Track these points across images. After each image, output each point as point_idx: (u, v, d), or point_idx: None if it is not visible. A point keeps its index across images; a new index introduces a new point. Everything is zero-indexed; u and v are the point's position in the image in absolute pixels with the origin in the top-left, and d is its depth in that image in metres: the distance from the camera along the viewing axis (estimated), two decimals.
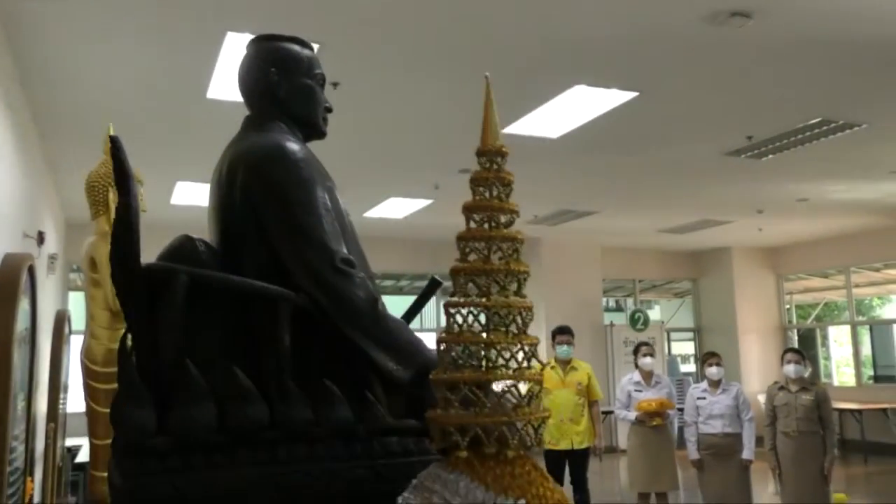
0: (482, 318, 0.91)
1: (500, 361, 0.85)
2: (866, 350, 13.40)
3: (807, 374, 5.72)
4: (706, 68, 5.11)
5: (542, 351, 10.33)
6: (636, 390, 5.86)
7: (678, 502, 7.96)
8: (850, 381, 12.42)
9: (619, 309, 14.93)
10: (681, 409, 6.36)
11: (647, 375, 5.91)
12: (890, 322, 13.08)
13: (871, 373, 12.91)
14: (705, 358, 6.00)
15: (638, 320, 12.12)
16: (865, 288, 13.57)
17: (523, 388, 0.82)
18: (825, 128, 6.33)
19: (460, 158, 7.25)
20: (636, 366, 6.01)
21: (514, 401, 0.80)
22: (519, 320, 0.85)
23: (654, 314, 15.22)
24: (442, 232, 11.00)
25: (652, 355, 5.97)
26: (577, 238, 11.77)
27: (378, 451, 1.05)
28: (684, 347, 14.42)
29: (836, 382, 13.09)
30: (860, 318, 12.63)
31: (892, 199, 9.18)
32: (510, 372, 0.82)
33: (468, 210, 1.03)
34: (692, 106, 5.88)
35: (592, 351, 11.44)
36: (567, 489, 6.11)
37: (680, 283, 14.18)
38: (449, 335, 0.96)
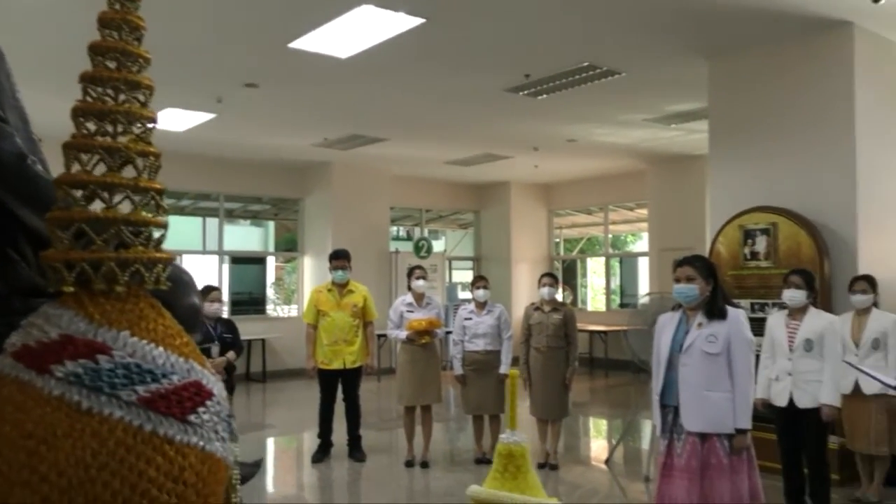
0: (103, 162, 0.87)
1: (118, 202, 0.83)
2: (618, 281, 15.15)
3: (562, 297, 6.33)
4: (491, 1, 5.29)
5: (322, 274, 10.33)
6: (408, 311, 6.12)
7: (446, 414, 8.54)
8: (603, 307, 14.00)
9: (409, 238, 15.38)
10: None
11: (419, 297, 6.19)
12: (638, 255, 14.85)
13: (619, 300, 14.64)
14: (474, 281, 6.39)
15: (422, 248, 12.58)
16: (621, 225, 15.23)
17: (156, 233, 0.82)
18: (591, 73, 6.87)
19: (245, 71, 6.91)
20: (409, 288, 6.26)
21: (130, 240, 0.79)
22: (140, 164, 0.83)
23: (440, 244, 15.90)
24: (228, 149, 10.53)
25: (424, 278, 6.25)
26: (367, 164, 11.82)
27: (19, 308, 0.99)
28: (465, 276, 15.28)
29: (590, 308, 14.68)
30: (613, 252, 14.18)
31: (645, 144, 10.29)
32: (127, 213, 0.80)
33: (91, 50, 0.96)
34: (476, 38, 6.07)
35: (377, 276, 11.74)
36: (340, 406, 6.33)
37: (464, 214, 14.87)
38: (66, 175, 0.91)
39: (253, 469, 1.59)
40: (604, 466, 6.20)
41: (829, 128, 5.79)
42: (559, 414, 6.00)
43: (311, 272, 12.07)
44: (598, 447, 7.30)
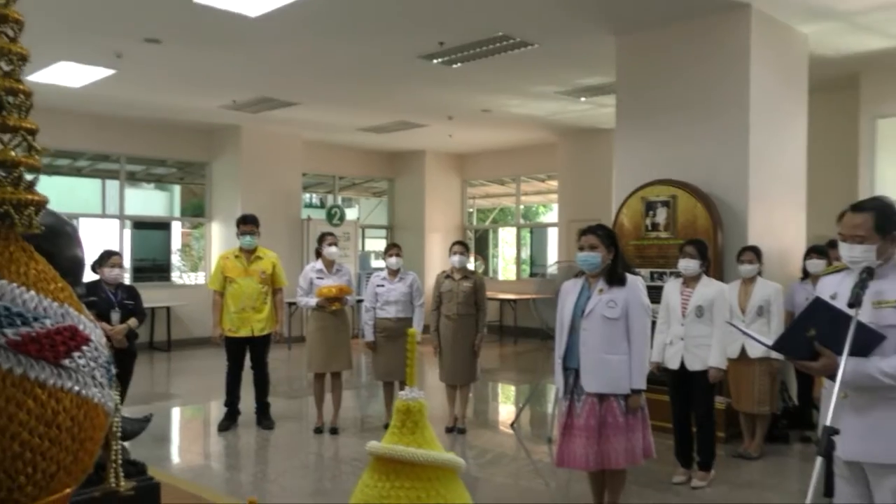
0: None
1: None
2: (528, 251, 15.48)
3: (473, 267, 6.42)
4: None
5: (231, 240, 10.06)
6: (318, 278, 6.07)
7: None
8: (513, 276, 14.30)
9: (321, 206, 15.16)
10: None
11: (330, 264, 6.14)
12: (547, 226, 15.21)
13: (529, 270, 14.97)
14: (387, 249, 6.40)
15: (334, 215, 12.44)
16: (533, 196, 15.54)
17: (29, 175, 0.79)
18: (505, 43, 6.92)
19: (147, 25, 6.56)
20: (319, 255, 6.20)
21: None
22: (10, 101, 0.80)
23: (354, 212, 15.76)
24: (129, 108, 10.02)
25: (336, 245, 6.20)
26: (278, 129, 11.54)
27: None
28: (379, 244, 15.24)
29: (501, 277, 14.97)
30: (524, 223, 14.47)
31: (557, 117, 10.49)
32: None
33: None
34: (390, 2, 5.99)
35: (289, 244, 11.56)
36: (248, 374, 6.24)
37: (378, 182, 14.78)
38: None
39: (142, 424, 1.57)
40: (510, 430, 6.40)
41: (726, 106, 6.08)
42: (467, 379, 6.14)
43: (220, 239, 11.73)
44: (505, 412, 7.52)
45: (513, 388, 8.84)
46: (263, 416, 6.26)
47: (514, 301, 12.35)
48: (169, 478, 1.84)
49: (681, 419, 4.83)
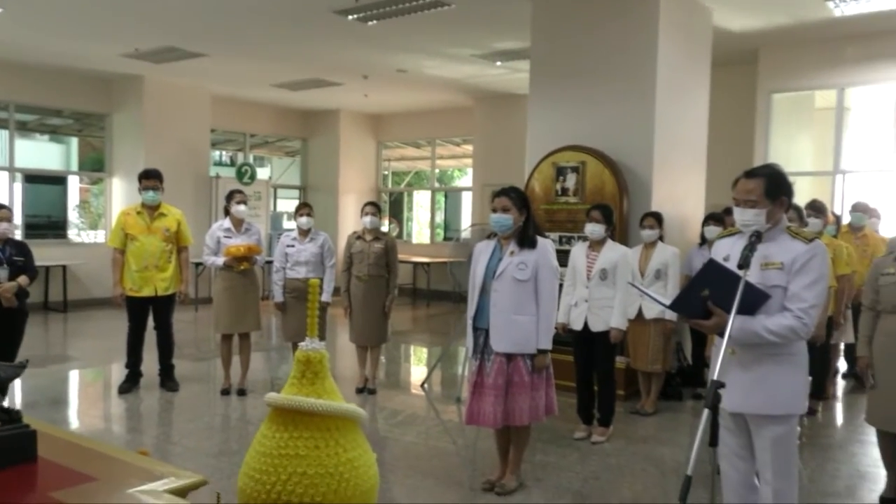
0: None
1: None
2: (443, 215, 15.55)
3: (388, 229, 6.38)
4: None
5: (133, 197, 9.64)
6: (225, 237, 5.89)
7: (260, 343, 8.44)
8: (427, 240, 14.35)
9: (232, 164, 14.66)
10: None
11: (238, 223, 5.97)
12: (462, 190, 15.29)
13: (443, 234, 15.06)
14: (298, 208, 6.27)
15: (245, 174, 12.07)
16: (448, 160, 15.56)
17: None
18: (421, 2, 6.82)
19: None
20: (227, 213, 6.01)
21: None
22: None
23: (266, 172, 15.34)
24: (19, 52, 9.30)
25: (245, 203, 6.02)
26: (184, 81, 11.02)
27: None
28: (291, 205, 14.92)
29: (415, 240, 14.99)
30: (439, 186, 14.49)
31: (472, 80, 10.49)
32: None
33: None
34: None
35: (196, 202, 11.16)
36: (151, 336, 6.03)
37: (292, 141, 14.41)
38: None
39: (17, 370, 1.49)
40: (420, 391, 6.48)
41: (634, 75, 6.23)
42: (378, 340, 6.15)
43: (121, 195, 11.18)
44: (417, 373, 7.59)
45: (425, 350, 8.93)
46: (167, 378, 6.09)
47: (428, 264, 12.41)
48: (50, 428, 1.76)
49: (583, 378, 5.02)
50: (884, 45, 7.73)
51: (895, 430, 3.85)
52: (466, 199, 14.08)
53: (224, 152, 15.30)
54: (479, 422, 3.89)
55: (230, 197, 6.02)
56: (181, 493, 1.22)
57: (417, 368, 7.93)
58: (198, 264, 10.00)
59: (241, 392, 5.96)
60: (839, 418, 6.00)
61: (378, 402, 5.98)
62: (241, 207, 5.97)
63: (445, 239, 14.02)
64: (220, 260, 5.83)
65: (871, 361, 3.87)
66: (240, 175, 11.98)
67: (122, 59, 9.53)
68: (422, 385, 6.60)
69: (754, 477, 2.89)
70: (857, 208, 6.66)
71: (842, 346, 6.51)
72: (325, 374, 1.23)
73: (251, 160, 13.44)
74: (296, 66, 9.94)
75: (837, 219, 6.70)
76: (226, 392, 5.96)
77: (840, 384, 6.74)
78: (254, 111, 13.01)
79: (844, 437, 5.43)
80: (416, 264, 12.52)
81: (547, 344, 3.87)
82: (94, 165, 13.32)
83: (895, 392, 3.76)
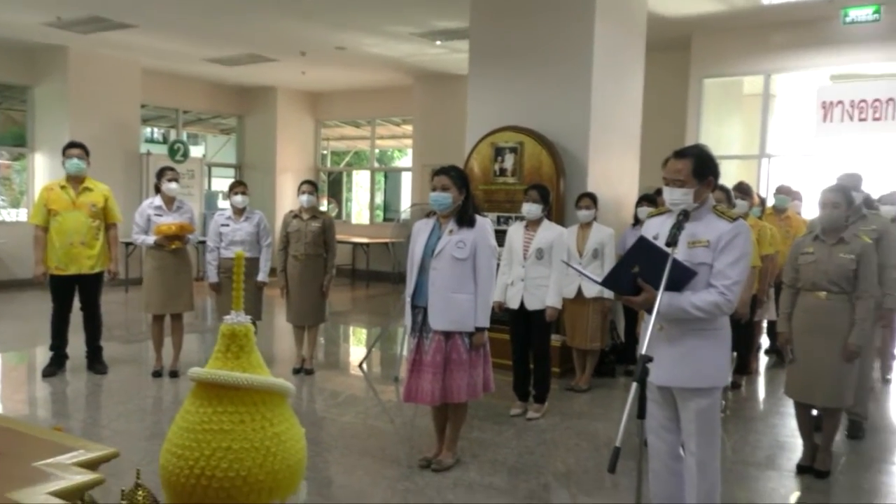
0: None
1: None
2: (383, 195, 15.45)
3: (326, 209, 6.30)
4: None
5: (58, 173, 9.24)
6: (156, 215, 5.71)
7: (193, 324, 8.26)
8: (366, 220, 14.25)
9: (165, 141, 14.19)
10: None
11: (170, 201, 5.79)
12: (402, 170, 15.22)
13: (383, 214, 14.98)
14: (232, 186, 6.12)
15: (177, 151, 11.71)
16: (388, 140, 15.44)
17: None
18: None
19: None
20: (158, 190, 5.83)
21: None
22: None
23: (200, 150, 14.91)
24: None
25: (177, 181, 5.84)
26: (113, 54, 10.59)
27: None
28: (227, 184, 14.57)
29: (354, 221, 14.86)
30: (379, 166, 14.39)
31: (412, 59, 10.41)
32: None
33: None
34: None
35: (125, 179, 10.79)
36: (77, 315, 5.82)
37: (227, 118, 14.04)
38: None
39: None
40: (359, 371, 6.46)
41: (572, 57, 6.29)
42: (315, 320, 6.09)
43: (44, 171, 10.70)
44: (355, 353, 7.56)
45: (364, 330, 8.90)
46: (95, 361, 5.90)
47: (368, 245, 12.34)
48: None
49: (519, 356, 5.10)
50: (808, 34, 8.03)
51: (811, 401, 4.06)
52: (406, 180, 14.02)
53: (156, 129, 14.80)
54: (416, 399, 3.91)
55: (161, 174, 5.83)
56: (91, 465, 1.18)
57: (356, 349, 7.90)
58: (127, 244, 9.69)
59: (174, 374, 5.82)
60: (761, 392, 6.27)
61: (316, 382, 5.94)
62: (173, 185, 5.79)
63: (385, 220, 13.96)
64: (151, 239, 5.65)
65: (790, 337, 4.05)
66: (172, 152, 11.61)
67: (45, 28, 9.08)
68: (360, 365, 6.58)
69: (680, 448, 3.00)
70: (781, 191, 6.93)
71: (765, 323, 6.78)
72: (251, 349, 1.21)
73: (184, 137, 13.04)
74: (229, 41, 9.66)
75: (763, 201, 6.96)
76: (157, 374, 5.82)
77: (763, 360, 7.04)
78: (187, 86, 12.61)
79: (766, 409, 5.69)
80: (355, 245, 12.43)
81: (485, 322, 3.91)
82: (16, 140, 12.67)
83: (811, 365, 3.96)
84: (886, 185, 6.58)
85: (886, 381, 6.29)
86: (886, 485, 4.11)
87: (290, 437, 1.15)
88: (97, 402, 5.29)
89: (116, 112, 10.97)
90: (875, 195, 5.75)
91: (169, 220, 5.67)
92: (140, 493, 1.47)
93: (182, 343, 5.98)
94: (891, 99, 7.56)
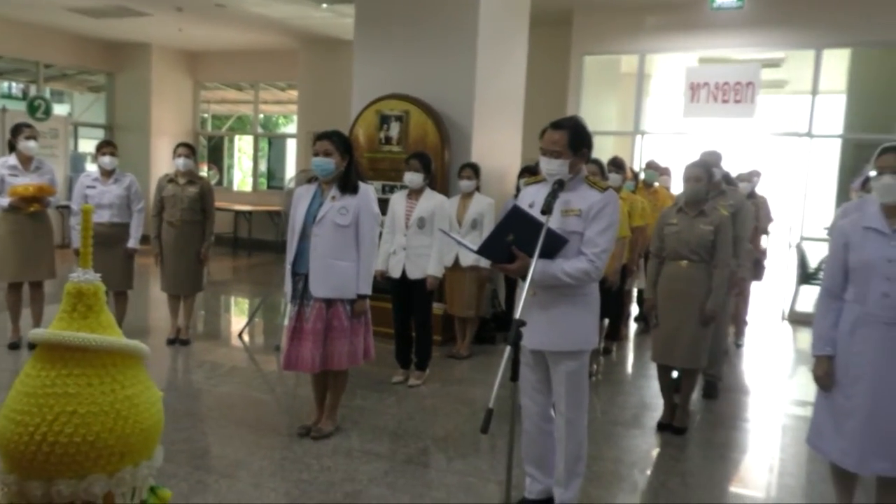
0: None
1: None
2: (266, 163, 14.99)
3: (207, 175, 6.03)
4: None
5: None
6: (11, 175, 5.27)
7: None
8: (249, 187, 13.80)
9: (24, 97, 13.05)
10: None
11: (27, 160, 5.36)
12: (287, 137, 14.81)
13: (267, 182, 14.57)
14: (99, 147, 5.74)
15: (38, 108, 10.81)
16: (273, 105, 14.94)
17: None
18: None
19: None
20: (13, 149, 5.37)
21: None
22: None
23: (65, 108, 13.85)
24: None
25: (35, 139, 5.40)
26: None
27: None
28: (94, 145, 13.64)
29: (236, 188, 14.36)
30: (263, 132, 13.93)
31: (297, 22, 10.08)
32: None
33: None
34: None
35: None
36: None
37: (95, 75, 13.09)
38: None
39: None
40: (238, 342, 6.30)
41: (457, 26, 6.30)
42: (192, 289, 5.87)
43: None
44: (236, 323, 7.36)
45: (245, 300, 8.67)
46: None
47: (250, 213, 11.96)
48: None
49: (401, 324, 5.13)
50: (679, 17, 8.45)
51: (670, 362, 4.35)
52: (291, 147, 13.65)
53: (14, 83, 13.60)
54: (297, 367, 3.86)
55: (17, 131, 5.37)
56: None
57: (237, 319, 7.68)
58: None
59: (32, 346, 5.43)
60: (630, 357, 6.65)
61: (195, 353, 5.74)
62: (31, 143, 5.36)
63: (269, 188, 13.57)
64: (5, 201, 5.22)
65: (655, 303, 4.31)
66: (32, 109, 10.71)
67: None
68: (240, 335, 6.42)
69: (551, 409, 3.14)
70: (650, 166, 7.30)
71: (635, 292, 7.17)
72: (101, 308, 1.14)
73: (47, 94, 12.06)
74: None
75: (636, 175, 7.31)
76: (14, 346, 5.42)
77: (633, 327, 7.46)
78: (49, 38, 11.61)
79: (634, 373, 6.05)
80: (237, 213, 12.02)
81: (366, 289, 3.90)
82: None
83: (672, 329, 4.24)
84: (744, 164, 7.09)
85: (739, 346, 6.83)
86: (736, 440, 4.48)
87: (144, 400, 1.10)
88: None
89: None
90: (733, 173, 6.17)
91: (26, 181, 5.25)
92: None
93: (43, 313, 5.58)
94: (750, 83, 8.11)
